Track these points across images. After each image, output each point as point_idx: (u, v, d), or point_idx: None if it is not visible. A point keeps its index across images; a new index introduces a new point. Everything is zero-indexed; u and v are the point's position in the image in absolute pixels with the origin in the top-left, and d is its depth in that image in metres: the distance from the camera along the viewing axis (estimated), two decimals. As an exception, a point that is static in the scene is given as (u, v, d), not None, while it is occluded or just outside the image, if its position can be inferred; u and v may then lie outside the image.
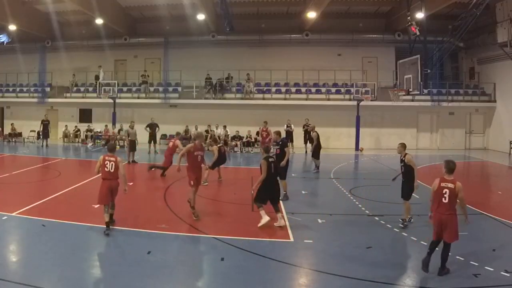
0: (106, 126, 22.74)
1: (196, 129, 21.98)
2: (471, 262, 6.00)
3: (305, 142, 20.36)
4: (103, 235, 7.30)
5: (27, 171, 13.69)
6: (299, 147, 20.69)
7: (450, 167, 5.74)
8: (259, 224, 7.57)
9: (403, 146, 8.54)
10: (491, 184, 14.27)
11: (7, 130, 24.67)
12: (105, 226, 7.17)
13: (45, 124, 21.37)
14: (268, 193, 7.83)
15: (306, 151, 20.29)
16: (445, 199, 5.57)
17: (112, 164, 7.32)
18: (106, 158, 7.40)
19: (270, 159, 8.02)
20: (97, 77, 24.20)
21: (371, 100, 21.19)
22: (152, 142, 19.07)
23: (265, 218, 7.57)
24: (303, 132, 20.51)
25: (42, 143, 21.64)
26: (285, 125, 20.25)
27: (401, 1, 20.65)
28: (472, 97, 22.63)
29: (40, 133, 22.03)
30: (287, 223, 7.98)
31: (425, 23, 17.83)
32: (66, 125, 24.07)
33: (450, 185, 5.59)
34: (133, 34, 24.81)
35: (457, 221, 5.61)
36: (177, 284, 5.47)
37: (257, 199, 7.83)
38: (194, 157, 8.15)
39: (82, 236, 7.09)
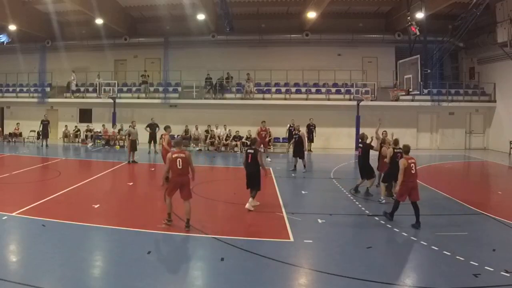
0: (103, 126, 22.69)
1: (197, 129, 22.04)
2: (471, 262, 6.00)
3: (308, 142, 20.43)
4: (103, 235, 7.31)
5: (27, 171, 13.69)
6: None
7: (408, 148, 8.26)
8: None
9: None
10: (491, 184, 14.26)
11: (7, 130, 24.70)
12: (101, 226, 7.27)
13: (45, 124, 21.36)
14: (247, 179, 8.97)
15: (308, 150, 20.41)
16: (413, 170, 7.91)
17: (180, 161, 7.48)
18: (175, 155, 7.55)
19: (248, 150, 9.05)
20: (68, 84, 24.43)
21: (371, 100, 21.18)
22: (152, 142, 19.06)
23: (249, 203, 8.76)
24: (307, 132, 20.54)
25: (42, 143, 21.64)
26: (288, 125, 20.25)
27: (401, 1, 20.63)
28: (472, 97, 22.62)
29: (40, 133, 22.05)
30: (287, 223, 7.98)
31: (425, 23, 17.84)
32: (66, 125, 24.06)
33: (414, 160, 8.04)
34: (133, 34, 24.81)
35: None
36: (177, 284, 5.47)
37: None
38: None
39: (82, 236, 7.09)
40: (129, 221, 8.03)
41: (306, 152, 16.69)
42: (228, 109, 22.62)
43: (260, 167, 8.91)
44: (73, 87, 24.30)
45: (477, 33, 20.95)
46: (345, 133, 22.64)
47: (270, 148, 20.25)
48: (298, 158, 14.47)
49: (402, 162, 7.92)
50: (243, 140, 20.78)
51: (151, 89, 24.24)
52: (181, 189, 7.56)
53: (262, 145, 18.70)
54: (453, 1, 17.78)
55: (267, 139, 19.13)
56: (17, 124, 24.39)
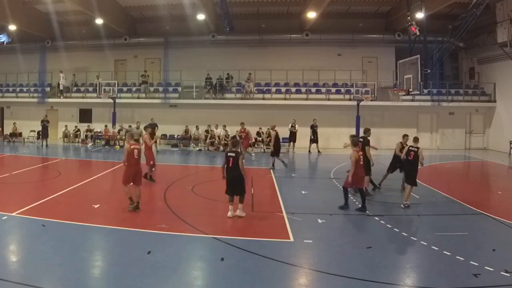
0: (105, 126, 22.77)
1: (197, 129, 22.04)
2: (471, 262, 5.99)
3: (311, 142, 20.60)
4: (103, 235, 7.31)
5: (27, 171, 13.69)
6: (302, 147, 20.72)
7: (356, 142, 9.33)
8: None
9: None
10: (491, 184, 14.25)
11: (7, 130, 24.69)
12: (101, 226, 7.38)
13: (44, 125, 21.37)
14: (228, 186, 8.24)
15: (309, 151, 20.56)
16: (361, 161, 8.90)
17: (136, 151, 8.34)
18: (132, 146, 8.45)
19: (229, 154, 8.25)
20: (58, 85, 24.51)
21: (371, 100, 21.17)
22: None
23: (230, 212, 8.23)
24: (311, 132, 20.66)
25: (42, 143, 21.66)
26: (290, 125, 20.25)
27: (401, 1, 20.64)
28: (472, 97, 22.62)
29: (40, 133, 22.07)
30: (287, 223, 7.98)
31: (425, 23, 17.83)
32: (66, 125, 24.06)
33: (361, 153, 9.06)
34: (133, 34, 24.82)
35: None
36: (177, 284, 5.46)
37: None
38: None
39: (82, 236, 7.08)
40: (129, 221, 8.03)
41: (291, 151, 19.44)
42: (228, 109, 22.62)
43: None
44: (61, 87, 24.35)
45: (477, 33, 20.95)
46: (345, 133, 22.47)
47: (251, 149, 20.28)
48: (275, 157, 14.71)
49: (353, 155, 8.80)
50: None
51: (151, 89, 24.25)
52: (136, 177, 8.59)
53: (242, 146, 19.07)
54: (453, 1, 17.77)
55: (251, 141, 19.50)
56: (13, 123, 24.41)
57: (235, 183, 8.12)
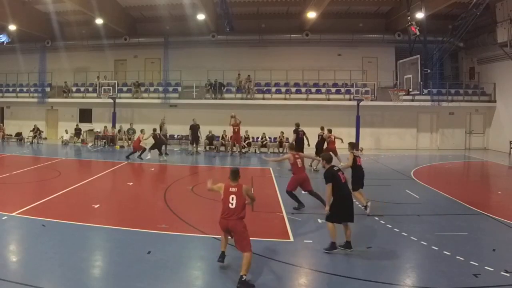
0: (105, 127, 22.74)
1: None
2: (471, 262, 6.00)
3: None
4: (103, 235, 7.31)
5: (27, 171, 13.70)
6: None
7: (293, 146, 10.87)
8: None
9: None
10: (491, 184, 14.25)
11: (7, 130, 24.72)
12: (101, 226, 7.38)
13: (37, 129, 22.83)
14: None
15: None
16: (298, 165, 9.32)
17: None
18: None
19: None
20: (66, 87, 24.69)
21: (371, 100, 21.17)
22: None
23: None
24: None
25: (32, 141, 22.92)
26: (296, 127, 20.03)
27: (401, 1, 20.64)
28: (472, 97, 22.62)
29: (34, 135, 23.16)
30: (287, 223, 7.98)
31: (425, 23, 17.83)
32: (66, 130, 23.81)
33: (297, 156, 9.41)
34: (133, 34, 24.81)
35: None
36: (177, 284, 5.46)
37: None
38: None
39: (82, 236, 7.08)
40: (129, 221, 8.03)
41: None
42: (228, 109, 22.57)
43: None
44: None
45: (477, 33, 20.95)
46: (345, 133, 22.52)
47: (245, 147, 20.25)
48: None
49: (289, 158, 9.31)
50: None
51: (151, 89, 24.26)
52: None
53: (235, 142, 18.95)
54: (453, 1, 17.77)
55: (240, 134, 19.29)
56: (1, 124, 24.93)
57: None
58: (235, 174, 6.00)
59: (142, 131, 17.32)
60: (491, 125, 22.59)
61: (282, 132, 20.29)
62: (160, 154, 16.97)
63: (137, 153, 16.62)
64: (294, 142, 14.38)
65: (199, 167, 16.95)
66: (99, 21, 20.88)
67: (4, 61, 25.85)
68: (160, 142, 17.19)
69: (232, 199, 5.74)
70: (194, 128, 19.28)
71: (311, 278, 5.76)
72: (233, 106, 22.52)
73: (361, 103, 21.47)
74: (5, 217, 7.85)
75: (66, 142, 23.07)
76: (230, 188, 5.82)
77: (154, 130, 17.38)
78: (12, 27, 21.08)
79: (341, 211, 6.35)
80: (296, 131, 15.35)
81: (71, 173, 14.40)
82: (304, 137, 15.40)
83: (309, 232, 7.54)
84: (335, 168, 6.75)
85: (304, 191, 9.33)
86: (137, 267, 5.78)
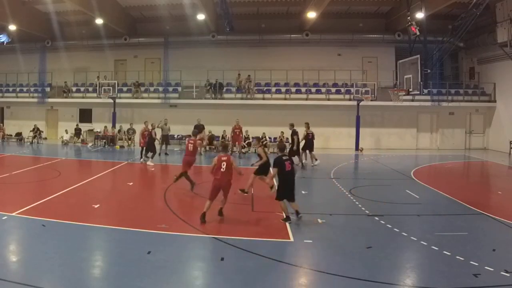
0: (105, 127, 22.75)
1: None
2: (471, 262, 5.99)
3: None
4: (103, 235, 7.31)
5: (27, 171, 13.69)
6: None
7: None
8: None
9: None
10: (491, 184, 14.25)
11: (7, 130, 24.72)
12: (101, 226, 7.42)
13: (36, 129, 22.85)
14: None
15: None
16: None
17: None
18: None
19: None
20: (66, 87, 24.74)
21: (371, 100, 21.19)
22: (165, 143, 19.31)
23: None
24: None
25: (32, 141, 22.95)
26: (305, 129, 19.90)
27: (401, 1, 20.64)
28: (472, 97, 22.63)
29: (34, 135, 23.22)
30: (287, 223, 7.97)
31: (425, 23, 17.84)
32: (66, 130, 23.80)
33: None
34: (133, 34, 24.82)
35: None
36: (177, 284, 5.46)
37: None
38: None
39: (82, 236, 7.08)
40: (129, 221, 8.03)
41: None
42: (228, 109, 22.63)
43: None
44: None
45: (477, 33, 20.96)
46: (345, 133, 22.66)
47: (245, 147, 20.27)
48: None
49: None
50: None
51: (151, 89, 24.26)
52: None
53: (237, 143, 19.03)
54: (453, 1, 17.78)
55: (241, 136, 19.60)
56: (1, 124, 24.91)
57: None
58: (225, 147, 8.76)
59: (145, 123, 16.47)
60: (491, 125, 22.59)
61: (282, 132, 20.25)
62: (146, 156, 15.96)
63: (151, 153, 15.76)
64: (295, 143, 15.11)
65: (199, 167, 16.93)
66: (99, 21, 20.88)
67: (4, 61, 25.86)
68: (151, 142, 16.33)
69: (223, 165, 7.95)
70: (199, 128, 19.26)
71: (311, 278, 5.75)
72: (233, 106, 22.57)
73: (361, 103, 21.48)
74: (5, 217, 7.85)
75: (66, 142, 23.07)
76: (222, 158, 8.04)
77: (153, 126, 16.67)
78: (12, 27, 21.09)
79: (284, 190, 8.01)
80: (306, 132, 15.80)
81: (71, 173, 14.40)
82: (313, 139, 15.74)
83: (309, 232, 7.53)
84: (284, 158, 8.20)
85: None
86: (137, 267, 5.78)
